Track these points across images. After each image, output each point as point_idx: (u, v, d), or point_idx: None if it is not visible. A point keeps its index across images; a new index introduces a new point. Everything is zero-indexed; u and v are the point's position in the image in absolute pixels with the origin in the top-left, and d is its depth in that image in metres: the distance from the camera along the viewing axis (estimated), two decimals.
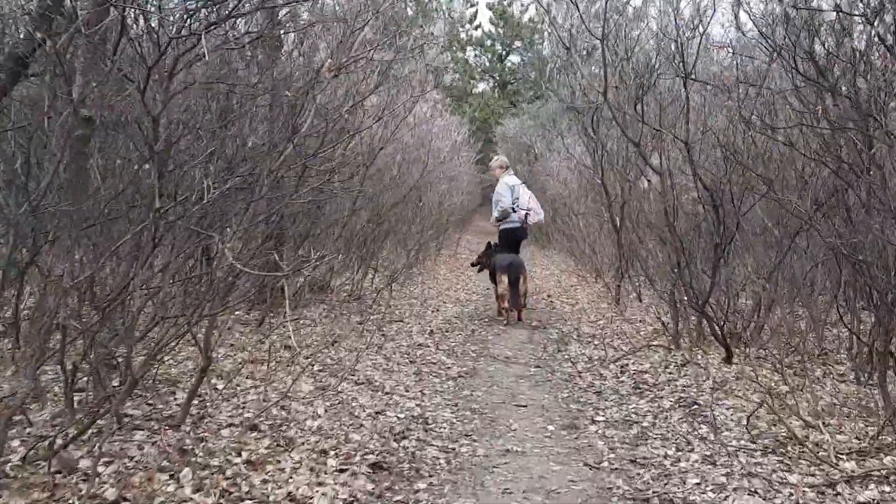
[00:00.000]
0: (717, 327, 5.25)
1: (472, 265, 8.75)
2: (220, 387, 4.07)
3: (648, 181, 6.23)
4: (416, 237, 9.56)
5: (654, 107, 5.95)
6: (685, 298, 5.56)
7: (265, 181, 3.47)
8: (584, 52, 7.79)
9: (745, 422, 3.87)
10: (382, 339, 6.34)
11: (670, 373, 5.10)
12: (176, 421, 3.35)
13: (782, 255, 5.48)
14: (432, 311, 8.33)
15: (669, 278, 5.75)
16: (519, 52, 38.11)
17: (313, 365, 4.92)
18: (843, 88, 3.75)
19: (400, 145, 8.11)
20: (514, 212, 8.10)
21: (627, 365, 5.46)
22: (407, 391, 4.69)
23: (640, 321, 7.37)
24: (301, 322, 6.36)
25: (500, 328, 7.45)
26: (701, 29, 5.68)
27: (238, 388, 4.13)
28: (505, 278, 7.48)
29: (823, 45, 3.81)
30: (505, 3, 37.55)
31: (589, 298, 9.37)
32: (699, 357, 5.37)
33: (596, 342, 6.52)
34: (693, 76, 5.51)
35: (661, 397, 4.57)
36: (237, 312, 6.24)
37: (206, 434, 3.30)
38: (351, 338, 6.05)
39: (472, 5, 38.30)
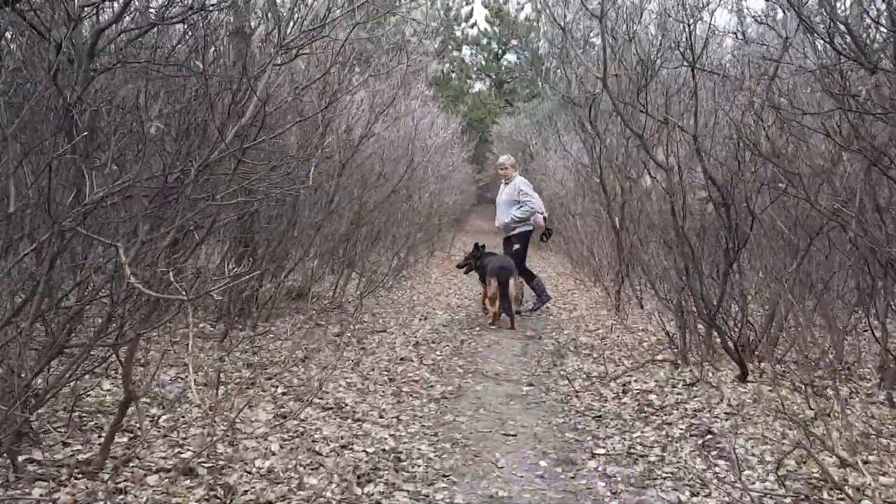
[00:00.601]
0: (729, 341, 4.71)
1: (458, 266, 8.44)
2: (160, 419, 3.51)
3: (653, 178, 5.68)
4: (403, 239, 8.99)
5: (658, 97, 5.40)
6: (693, 308, 5.01)
7: (192, 178, 2.91)
8: (582, 41, 7.22)
9: (768, 457, 3.33)
10: (361, 353, 5.78)
11: (678, 393, 4.55)
12: (93, 467, 2.80)
13: (800, 259, 4.94)
14: (420, 320, 7.77)
15: (675, 285, 5.20)
16: (515, 51, 37.61)
17: (276, 387, 4.37)
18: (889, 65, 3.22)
19: (385, 141, 7.56)
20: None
21: (630, 383, 4.91)
22: (381, 417, 4.14)
23: (643, 330, 6.82)
24: (272, 335, 5.81)
25: (492, 338, 6.90)
26: (708, 12, 5.15)
27: (181, 420, 3.58)
28: (494, 281, 7.18)
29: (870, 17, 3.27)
30: (500, 1, 37.04)
31: (587, 304, 8.82)
32: (710, 374, 4.82)
33: (595, 355, 5.97)
34: (700, 66, 4.96)
35: (670, 424, 4.02)
36: (200, 325, 5.70)
37: (127, 484, 2.75)
38: (326, 353, 5.50)
39: (467, 3, 37.81)
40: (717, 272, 5.18)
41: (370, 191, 7.19)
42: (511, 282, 7.20)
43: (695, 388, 4.58)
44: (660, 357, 5.42)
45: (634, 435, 3.88)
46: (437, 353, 6.15)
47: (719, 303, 4.93)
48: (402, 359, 5.76)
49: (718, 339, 5.31)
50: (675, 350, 5.36)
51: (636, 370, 5.13)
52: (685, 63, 4.54)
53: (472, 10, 37.38)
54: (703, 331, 5.26)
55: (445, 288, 10.74)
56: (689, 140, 5.10)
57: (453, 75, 37.06)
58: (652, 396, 4.54)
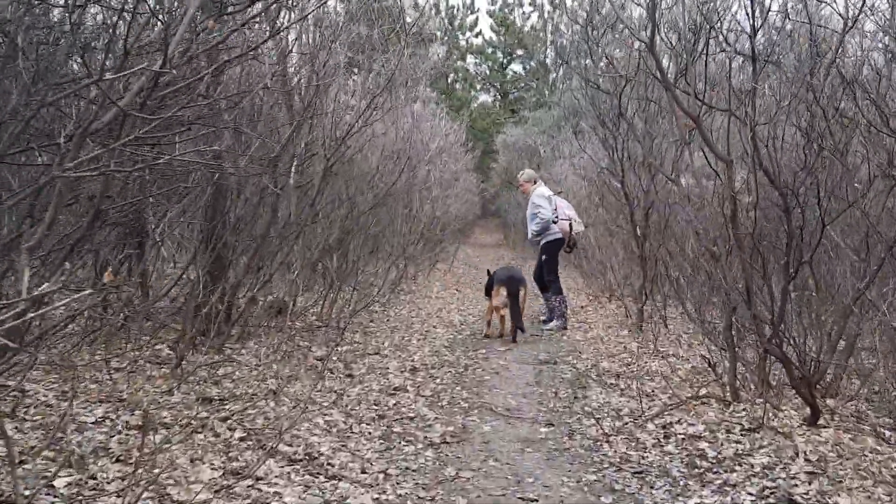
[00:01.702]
0: (798, 375, 3.81)
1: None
2: (61, 482, 2.63)
3: (694, 179, 4.79)
4: (400, 249, 8.12)
5: (699, 82, 4.53)
6: (748, 334, 4.13)
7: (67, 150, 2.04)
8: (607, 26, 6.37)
9: None
10: (347, 382, 4.90)
11: (737, 441, 3.65)
12: None
13: (871, 276, 4.06)
14: (418, 340, 6.89)
15: (725, 306, 4.31)
16: (521, 61, 36.86)
17: (233, 430, 3.48)
18: None
19: (381, 138, 6.71)
20: (556, 223, 7.67)
21: (672, 424, 4.01)
22: (364, 472, 3.25)
23: (673, 356, 5.91)
24: (241, 360, 4.93)
25: (500, 363, 6.00)
26: None
27: (98, 481, 2.70)
28: (503, 291, 6.80)
29: None
30: (506, 10, 36.34)
31: (604, 323, 7.92)
32: (771, 415, 3.92)
33: (622, 386, 5.08)
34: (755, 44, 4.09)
35: (734, 485, 3.12)
36: (157, 346, 4.82)
37: None
38: (303, 382, 4.61)
39: (472, 12, 37.13)
40: (770, 291, 4.29)
41: (362, 192, 6.32)
42: (521, 293, 6.86)
43: (756, 435, 3.67)
44: (704, 392, 4.52)
45: (691, 502, 2.99)
46: (438, 381, 5.26)
47: (776, 327, 4.04)
48: (395, 389, 4.88)
49: (777, 372, 4.43)
50: (722, 384, 4.46)
51: (677, 408, 4.23)
52: (746, 34, 3.67)
53: (478, 18, 36.85)
54: (757, 361, 4.36)
55: (447, 303, 9.85)
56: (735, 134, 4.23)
57: (458, 85, 36.32)
58: (703, 445, 3.64)
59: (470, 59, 37.11)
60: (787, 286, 4.12)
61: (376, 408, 4.36)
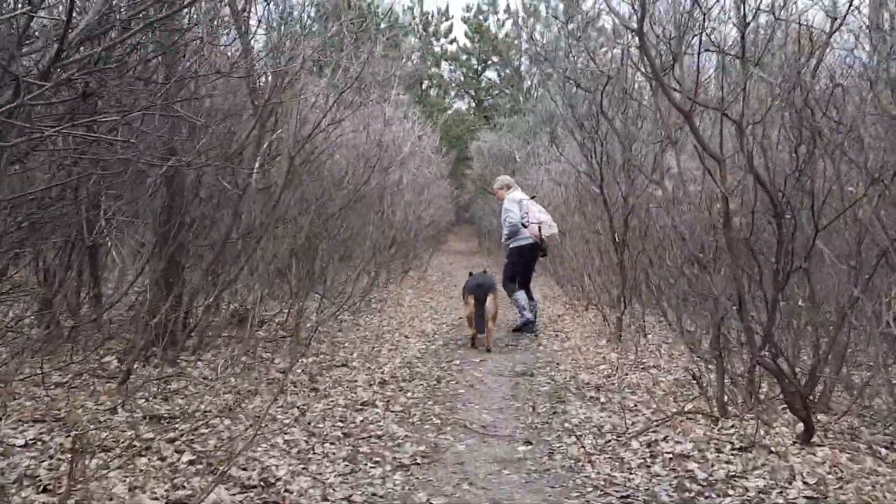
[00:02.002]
0: (791, 389, 3.58)
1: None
2: None
3: (676, 183, 4.57)
4: (371, 254, 7.81)
5: (689, 76, 4.31)
6: (743, 345, 3.90)
7: None
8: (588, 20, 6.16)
9: None
10: (311, 396, 4.59)
11: (727, 461, 3.41)
12: None
13: (864, 283, 3.86)
14: (389, 350, 6.59)
15: (713, 315, 4.07)
16: (496, 68, 36.76)
17: (181, 452, 3.16)
18: None
19: (350, 138, 6.41)
20: (526, 227, 7.63)
21: (657, 442, 3.76)
22: (326, 499, 2.94)
23: (654, 367, 5.68)
24: (196, 373, 4.59)
25: (475, 375, 5.73)
26: None
27: None
28: (472, 299, 6.78)
29: None
30: (481, 17, 36.24)
31: (582, 333, 7.68)
32: (763, 433, 3.69)
33: (602, 399, 4.83)
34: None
35: None
36: (105, 359, 4.47)
37: None
38: (264, 397, 4.29)
39: (446, 19, 36.97)
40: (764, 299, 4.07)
41: (331, 196, 6.02)
42: (488, 299, 6.73)
43: (749, 455, 3.43)
44: (689, 407, 4.28)
45: None
46: (409, 394, 4.97)
47: (769, 338, 3.81)
48: (363, 404, 4.58)
49: (764, 386, 4.22)
50: (708, 398, 4.23)
51: (662, 424, 3.98)
52: (736, 27, 3.45)
53: (452, 25, 36.58)
54: (745, 374, 4.14)
55: (420, 312, 9.56)
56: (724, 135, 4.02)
57: (432, 91, 36.12)
58: (692, 465, 3.39)
59: (444, 65, 36.96)
60: (776, 295, 3.91)
61: (342, 425, 4.06)
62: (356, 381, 5.20)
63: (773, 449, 3.45)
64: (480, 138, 24.48)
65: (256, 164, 4.87)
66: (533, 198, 8.13)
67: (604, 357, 6.25)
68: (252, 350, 5.36)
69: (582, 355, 6.46)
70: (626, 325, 7.10)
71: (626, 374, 5.49)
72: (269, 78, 4.51)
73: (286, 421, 3.93)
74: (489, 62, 36.54)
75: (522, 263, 7.82)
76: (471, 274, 7.46)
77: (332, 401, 4.55)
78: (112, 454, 2.97)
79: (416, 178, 11.45)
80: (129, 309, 5.23)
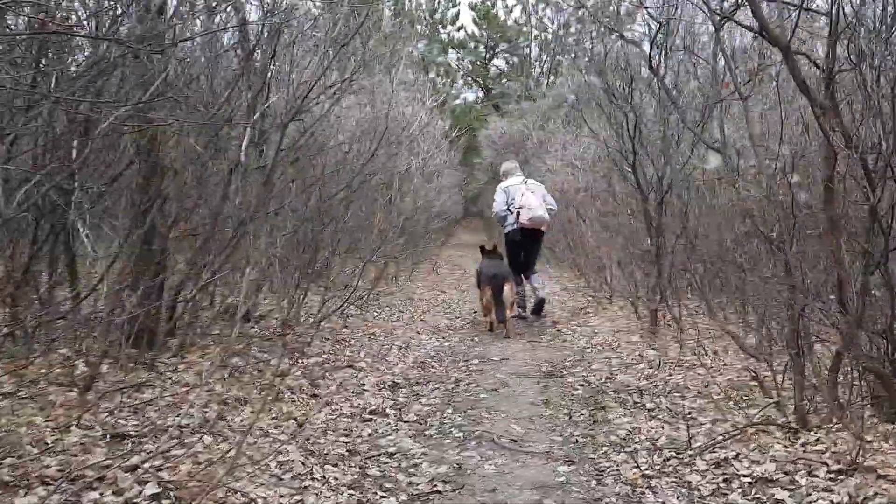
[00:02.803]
0: None
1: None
2: None
3: (757, 145, 3.85)
4: (376, 245, 7.16)
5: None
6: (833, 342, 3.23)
7: None
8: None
9: None
10: (311, 404, 3.95)
11: (826, 489, 2.74)
12: None
13: None
14: (400, 349, 5.95)
15: (789, 307, 3.40)
16: (504, 56, 35.97)
17: (145, 482, 2.52)
18: None
19: (352, 114, 5.75)
20: (512, 213, 7.57)
21: (729, 461, 3.10)
22: None
23: (701, 365, 5.00)
24: (178, 377, 3.95)
25: (498, 377, 5.08)
26: None
27: None
28: (489, 290, 6.72)
29: None
30: (489, 2, 35.42)
31: (611, 327, 7.00)
32: (861, 451, 3.02)
33: (649, 405, 4.16)
34: None
35: None
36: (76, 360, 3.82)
37: None
38: (255, 407, 3.65)
39: (453, 5, 36.15)
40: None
41: (333, 176, 5.36)
42: (506, 288, 6.68)
43: (852, 480, 2.77)
44: (755, 412, 3.61)
45: None
46: (424, 400, 4.33)
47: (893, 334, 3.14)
48: (371, 413, 3.94)
49: (847, 391, 3.54)
50: (780, 405, 3.56)
51: (732, 438, 3.32)
52: None
53: (459, 12, 35.73)
54: (828, 378, 3.46)
55: (432, 306, 8.92)
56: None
57: (438, 79, 35.36)
58: (781, 493, 2.73)
59: (452, 53, 36.18)
60: (864, 283, 3.23)
61: (346, 440, 3.42)
62: (363, 384, 4.57)
63: (881, 472, 2.78)
64: (490, 126, 23.75)
65: (245, 140, 4.22)
66: (524, 182, 7.66)
67: (640, 354, 5.58)
68: (245, 351, 4.72)
69: (615, 353, 5.80)
70: (661, 319, 6.43)
71: (670, 375, 4.83)
72: (263, 30, 3.85)
73: (280, 437, 3.29)
74: (497, 50, 35.76)
75: (515, 249, 7.70)
76: (482, 249, 7.52)
77: (336, 409, 3.92)
78: (51, 489, 2.33)
79: (426, 164, 10.78)
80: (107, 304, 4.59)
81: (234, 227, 4.21)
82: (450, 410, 4.10)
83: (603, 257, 8.83)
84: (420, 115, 6.20)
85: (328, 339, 5.81)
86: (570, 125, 11.06)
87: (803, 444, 3.17)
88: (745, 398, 4.06)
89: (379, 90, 6.57)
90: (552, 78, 31.22)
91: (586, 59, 6.89)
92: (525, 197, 7.44)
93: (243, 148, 4.21)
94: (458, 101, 35.14)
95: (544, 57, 34.79)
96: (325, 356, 5.20)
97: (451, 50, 35.99)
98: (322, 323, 5.98)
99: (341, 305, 6.18)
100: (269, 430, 3.35)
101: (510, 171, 7.92)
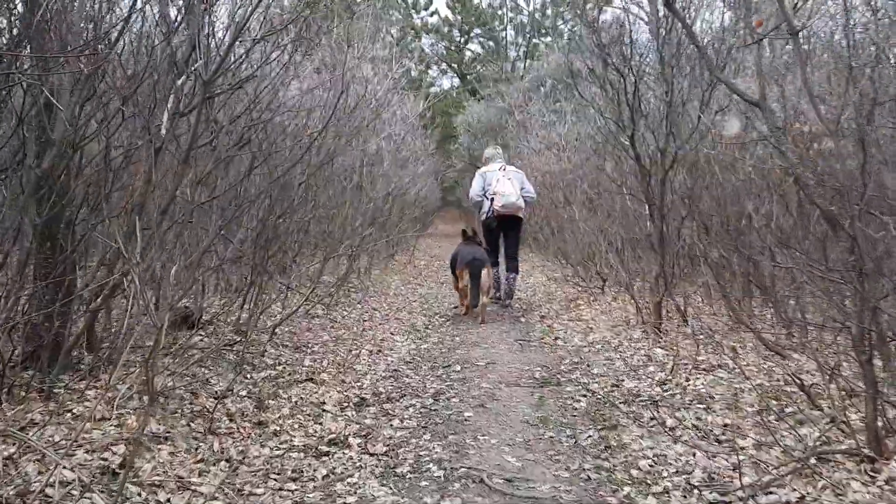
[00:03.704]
0: None
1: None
2: None
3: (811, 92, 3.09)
4: (339, 236, 6.36)
5: None
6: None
7: None
8: None
9: None
10: (254, 432, 3.15)
11: None
12: None
13: None
14: (371, 354, 5.17)
15: (859, 300, 2.66)
16: (479, 40, 35.11)
17: None
18: None
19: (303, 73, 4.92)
20: (488, 199, 7.50)
21: None
22: None
23: (722, 368, 4.28)
24: (84, 407, 3.13)
25: (485, 386, 4.32)
26: None
27: None
28: (466, 274, 6.68)
29: None
30: None
31: (607, 322, 6.27)
32: None
33: (670, 421, 3.42)
34: None
35: None
36: None
37: None
38: (178, 444, 2.85)
39: None
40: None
41: (285, 153, 4.54)
42: (483, 273, 6.60)
43: None
44: (805, 431, 2.88)
45: None
46: (396, 422, 3.56)
47: None
48: (330, 443, 3.17)
49: None
50: (847, 429, 2.83)
51: (792, 473, 2.58)
52: None
53: None
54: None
55: (408, 302, 8.14)
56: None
57: (412, 65, 34.42)
58: None
59: (426, 39, 35.22)
60: None
61: (294, 488, 2.64)
62: (324, 403, 3.79)
63: None
64: (467, 111, 22.93)
65: (168, 108, 3.40)
66: (502, 169, 7.55)
67: (647, 355, 4.85)
68: (184, 367, 3.91)
69: (617, 353, 5.06)
70: (665, 312, 5.71)
71: (687, 380, 4.10)
72: None
73: (203, 489, 2.50)
74: (472, 34, 34.91)
75: (490, 235, 7.61)
76: (464, 233, 7.38)
77: (285, 441, 3.13)
78: None
79: (399, 148, 9.97)
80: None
81: (155, 217, 3.39)
82: (427, 437, 3.33)
83: (594, 244, 8.12)
84: (385, 85, 5.37)
85: (287, 345, 5.01)
86: (552, 104, 10.29)
87: (888, 481, 2.44)
88: (788, 411, 3.33)
89: (341, 58, 5.73)
90: (528, 62, 30.45)
91: (576, 22, 6.09)
92: (500, 183, 7.39)
93: (164, 120, 3.39)
94: (433, 89, 34.30)
95: (520, 41, 34.06)
96: (280, 367, 4.40)
97: (424, 35, 35.07)
98: (280, 327, 5.18)
99: (301, 305, 5.37)
100: (191, 480, 2.56)
101: (491, 157, 7.86)
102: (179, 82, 3.51)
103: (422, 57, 34.64)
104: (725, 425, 3.28)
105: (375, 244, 8.13)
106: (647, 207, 5.77)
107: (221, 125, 3.87)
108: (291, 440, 3.15)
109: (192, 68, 3.49)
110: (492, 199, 7.37)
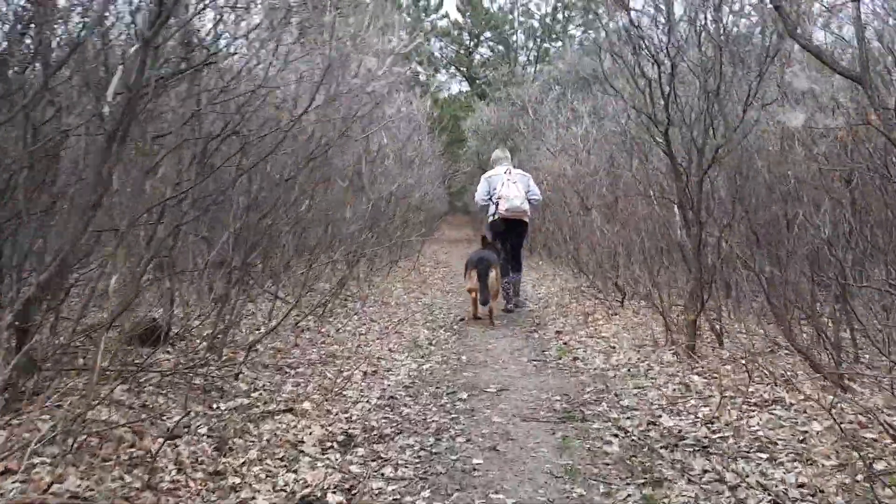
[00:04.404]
0: None
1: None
2: None
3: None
4: (329, 241, 5.71)
5: None
6: None
7: None
8: None
9: None
10: (209, 490, 2.49)
11: None
12: None
13: None
14: (365, 376, 4.51)
15: None
16: (488, 44, 34.50)
17: None
18: None
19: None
20: (493, 203, 7.46)
21: None
22: None
23: (779, 403, 3.60)
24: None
25: (497, 420, 3.65)
26: None
27: None
28: (474, 274, 6.57)
29: None
30: None
31: (630, 341, 5.59)
32: None
33: (728, 475, 2.75)
34: None
35: None
36: None
37: None
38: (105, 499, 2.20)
39: None
40: None
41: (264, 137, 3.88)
42: (491, 274, 6.52)
43: None
44: None
45: None
46: (388, 471, 2.89)
47: None
48: (302, 501, 2.50)
49: None
50: None
51: None
52: None
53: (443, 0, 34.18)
54: None
55: (411, 312, 7.48)
56: None
57: (420, 68, 33.85)
58: None
59: (435, 43, 34.61)
60: None
61: None
62: (302, 441, 3.14)
63: None
64: (476, 115, 22.27)
65: (114, 82, 2.77)
66: (507, 172, 7.49)
67: (683, 383, 4.17)
68: (137, 389, 3.26)
69: (647, 379, 4.39)
70: (700, 332, 5.03)
71: (739, 419, 3.42)
72: None
73: None
74: (482, 38, 34.33)
75: (496, 239, 7.45)
76: (483, 240, 7.31)
77: (245, 499, 2.47)
78: None
79: (405, 147, 9.33)
80: None
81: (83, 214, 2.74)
82: (427, 494, 2.66)
83: (612, 252, 7.46)
84: (387, 64, 4.74)
85: (268, 365, 4.36)
86: (568, 103, 9.63)
87: None
88: (879, 468, 2.65)
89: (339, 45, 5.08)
90: (539, 66, 29.79)
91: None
92: (505, 187, 7.37)
93: (109, 94, 2.75)
94: (443, 94, 33.67)
95: (530, 45, 33.46)
96: (256, 394, 3.75)
97: (433, 39, 34.46)
98: (263, 342, 4.54)
99: (283, 318, 4.71)
100: None
101: (498, 160, 7.83)
102: (132, 50, 2.88)
103: (431, 60, 34.08)
104: (801, 485, 2.60)
105: (374, 249, 7.47)
106: (678, 212, 5.11)
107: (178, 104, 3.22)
108: (253, 498, 2.49)
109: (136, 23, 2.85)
110: (497, 203, 7.37)
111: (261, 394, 3.75)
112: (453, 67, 35.08)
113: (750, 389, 3.81)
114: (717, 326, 5.00)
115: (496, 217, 7.39)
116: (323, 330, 5.74)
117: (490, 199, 7.48)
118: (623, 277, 7.25)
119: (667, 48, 4.33)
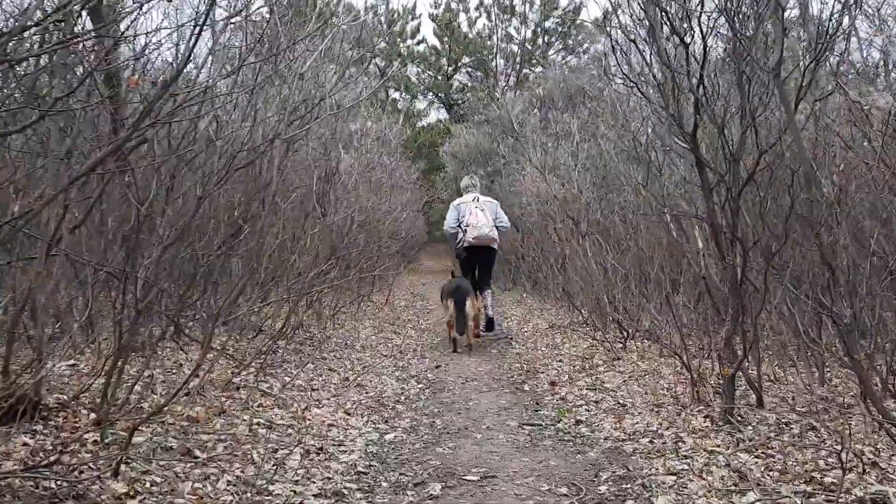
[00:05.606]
0: None
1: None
2: None
3: None
4: (294, 275, 4.63)
5: None
6: None
7: None
8: None
9: None
10: None
11: None
12: None
13: None
14: (304, 456, 3.39)
15: None
16: (467, 70, 33.76)
17: None
18: None
19: None
20: (463, 230, 7.55)
21: None
22: None
23: (847, 494, 2.55)
24: None
25: None
26: None
27: None
28: (451, 304, 6.69)
29: None
30: (450, 14, 33.17)
31: (643, 399, 4.51)
32: None
33: None
34: None
35: None
36: None
37: None
38: None
39: (413, 18, 33.83)
40: None
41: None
42: (467, 302, 6.72)
43: None
44: None
45: None
46: None
47: None
48: None
49: None
50: None
51: None
52: None
53: (420, 24, 33.49)
54: None
55: (381, 356, 6.38)
56: None
57: (397, 95, 33.05)
58: None
59: (412, 68, 33.81)
60: None
61: None
62: None
63: None
64: (454, 139, 21.35)
65: None
66: (475, 199, 7.58)
67: (733, 468, 3.09)
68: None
69: (681, 460, 3.30)
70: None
71: None
72: None
73: None
74: (460, 63, 33.63)
75: (465, 266, 7.66)
76: (452, 274, 7.59)
77: None
78: None
79: (373, 167, 8.29)
80: None
81: None
82: None
83: (609, 285, 6.44)
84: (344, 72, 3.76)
85: (170, 448, 3.22)
86: (558, 117, 8.66)
87: None
88: None
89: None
90: (517, 92, 28.98)
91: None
92: (473, 215, 7.47)
93: None
94: (421, 124, 32.74)
95: (509, 70, 32.72)
96: (155, 489, 2.61)
97: (410, 64, 33.65)
98: (170, 410, 3.42)
99: (188, 379, 3.57)
100: None
101: (467, 187, 7.90)
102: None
103: (408, 86, 33.27)
104: None
105: (329, 286, 6.37)
106: (699, 236, 4.09)
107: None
108: None
109: None
110: (465, 231, 7.44)
111: (166, 482, 2.62)
112: (431, 93, 34.28)
113: (818, 473, 2.75)
114: (758, 383, 3.97)
115: (464, 244, 7.49)
116: (264, 387, 4.60)
117: (459, 226, 7.54)
118: (624, 313, 6.21)
119: (699, 17, 3.33)
